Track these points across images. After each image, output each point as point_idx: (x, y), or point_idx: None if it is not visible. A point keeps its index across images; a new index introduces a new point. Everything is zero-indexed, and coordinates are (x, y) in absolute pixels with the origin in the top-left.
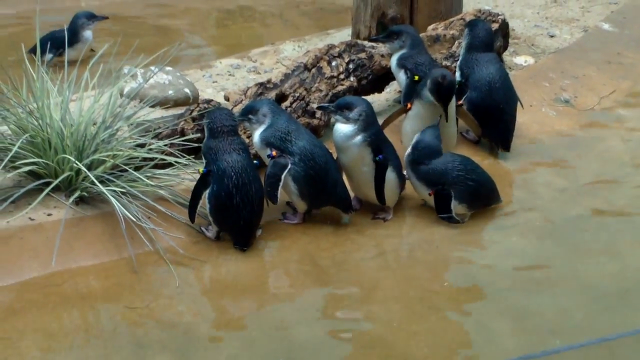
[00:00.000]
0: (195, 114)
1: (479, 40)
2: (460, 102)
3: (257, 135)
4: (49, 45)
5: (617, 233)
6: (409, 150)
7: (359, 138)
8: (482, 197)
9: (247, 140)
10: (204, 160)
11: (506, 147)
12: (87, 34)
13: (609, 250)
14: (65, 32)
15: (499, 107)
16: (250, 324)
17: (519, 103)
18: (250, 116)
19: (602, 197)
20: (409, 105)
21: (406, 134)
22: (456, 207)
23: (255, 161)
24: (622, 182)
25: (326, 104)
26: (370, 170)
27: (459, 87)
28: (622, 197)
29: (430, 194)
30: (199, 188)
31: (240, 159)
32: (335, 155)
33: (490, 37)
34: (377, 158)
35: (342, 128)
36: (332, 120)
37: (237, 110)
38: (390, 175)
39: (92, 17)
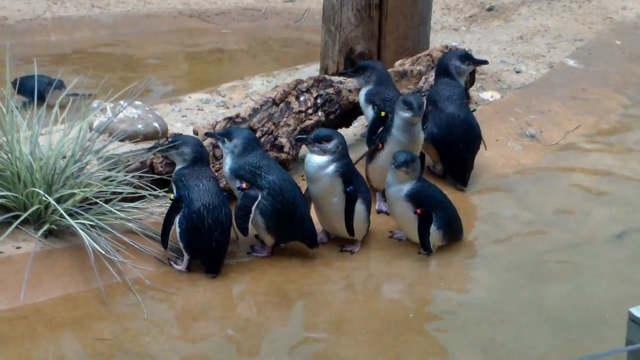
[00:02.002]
0: (164, 147)
1: (438, 66)
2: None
3: (226, 166)
4: (26, 88)
5: (581, 265)
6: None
7: (331, 168)
8: (454, 227)
9: (216, 174)
10: (174, 188)
11: (464, 183)
12: (50, 100)
13: (574, 282)
14: (35, 83)
15: (458, 145)
16: (217, 355)
17: (482, 143)
18: (225, 139)
19: (567, 230)
20: (380, 145)
21: (375, 171)
22: (433, 233)
23: (224, 192)
24: (587, 215)
25: (304, 136)
26: (340, 202)
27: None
28: (587, 230)
29: (416, 212)
30: (171, 214)
31: (210, 184)
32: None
33: (447, 59)
34: (348, 189)
35: (315, 159)
36: (304, 153)
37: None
38: (359, 207)
39: (50, 84)
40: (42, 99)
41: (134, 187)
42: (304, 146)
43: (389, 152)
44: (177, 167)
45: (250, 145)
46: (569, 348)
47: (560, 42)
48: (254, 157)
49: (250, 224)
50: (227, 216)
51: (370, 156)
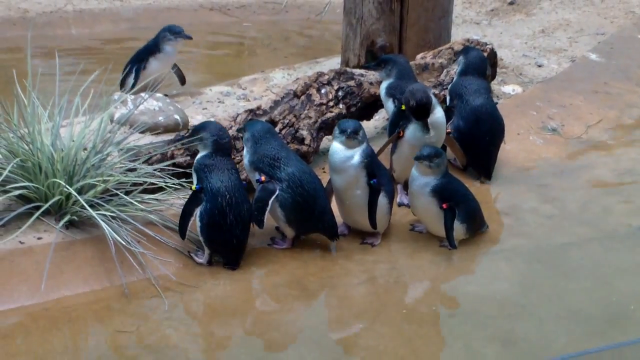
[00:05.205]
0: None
1: (470, 66)
2: (449, 130)
3: (245, 158)
4: (132, 60)
5: (603, 259)
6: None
7: (356, 159)
8: (477, 221)
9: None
10: (195, 177)
11: (488, 176)
12: (168, 48)
13: (596, 276)
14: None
15: (485, 138)
16: (238, 348)
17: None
18: (243, 133)
19: (588, 224)
20: (401, 133)
21: (398, 162)
22: (457, 227)
23: (243, 182)
24: (608, 209)
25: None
26: (363, 194)
27: (446, 112)
28: (609, 224)
29: (442, 207)
30: (191, 204)
31: (232, 177)
32: (324, 182)
33: (483, 64)
34: (372, 182)
35: (341, 150)
36: (325, 145)
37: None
38: (382, 200)
39: (176, 33)
40: (157, 47)
41: (155, 179)
42: (324, 139)
43: (410, 140)
44: (199, 155)
45: (262, 137)
46: (590, 341)
47: (582, 36)
48: (271, 148)
49: (269, 216)
50: (249, 212)
51: (394, 146)
